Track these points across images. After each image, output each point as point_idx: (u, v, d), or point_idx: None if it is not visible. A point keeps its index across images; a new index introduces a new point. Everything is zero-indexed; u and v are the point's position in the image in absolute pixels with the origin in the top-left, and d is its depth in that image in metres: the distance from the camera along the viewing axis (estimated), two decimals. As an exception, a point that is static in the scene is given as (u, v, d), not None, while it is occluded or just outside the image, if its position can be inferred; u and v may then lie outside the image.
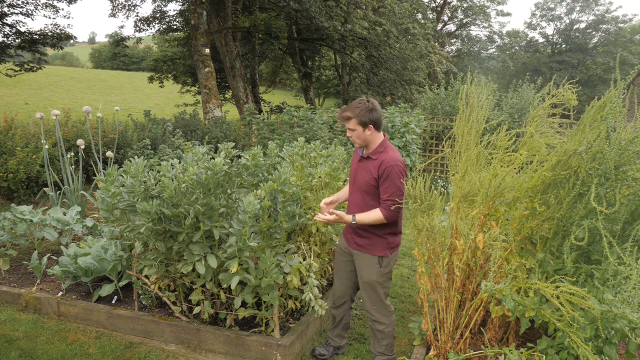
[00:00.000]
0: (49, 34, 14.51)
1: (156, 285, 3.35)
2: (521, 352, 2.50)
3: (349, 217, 2.76)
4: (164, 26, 19.34)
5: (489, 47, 40.99)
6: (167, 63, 20.64)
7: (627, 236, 2.37)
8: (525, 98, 10.35)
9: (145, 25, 18.11)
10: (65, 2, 14.72)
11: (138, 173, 3.01)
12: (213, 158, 3.08)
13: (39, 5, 14.41)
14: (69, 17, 15.87)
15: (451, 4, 36.03)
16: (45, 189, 5.85)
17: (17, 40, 14.34)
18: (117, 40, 18.73)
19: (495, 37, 40.14)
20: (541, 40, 41.70)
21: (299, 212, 3.13)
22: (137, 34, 18.08)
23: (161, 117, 11.37)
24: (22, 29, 14.34)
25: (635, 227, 2.26)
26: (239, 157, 5.55)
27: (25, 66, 14.45)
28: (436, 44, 21.89)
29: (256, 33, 17.11)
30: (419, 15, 21.56)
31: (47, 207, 5.44)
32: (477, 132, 2.91)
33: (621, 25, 36.63)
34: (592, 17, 37.87)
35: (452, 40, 38.97)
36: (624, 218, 2.39)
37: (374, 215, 2.72)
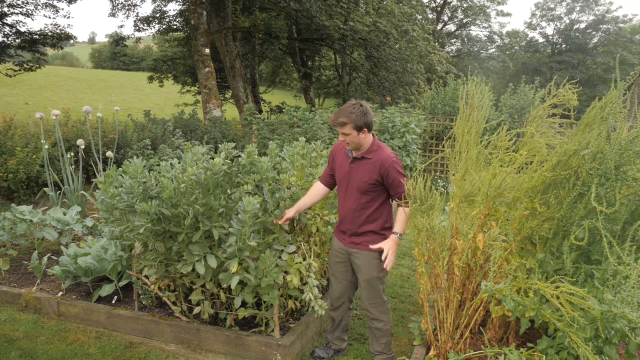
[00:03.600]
0: (49, 34, 14.52)
1: (156, 285, 3.35)
2: (521, 352, 2.49)
3: (395, 238, 2.75)
4: (164, 26, 19.34)
5: (489, 47, 40.98)
6: (167, 63, 20.66)
7: (627, 236, 2.37)
8: (524, 99, 10.36)
9: (145, 25, 18.12)
10: (65, 2, 14.74)
11: (137, 174, 3.01)
12: (212, 158, 3.08)
13: (39, 5, 14.43)
14: (69, 17, 15.89)
15: (451, 4, 36.03)
16: (45, 189, 5.84)
17: (17, 40, 14.36)
18: (117, 40, 18.71)
19: (495, 37, 40.16)
20: (541, 40, 41.78)
21: (287, 196, 3.15)
22: (137, 34, 18.09)
23: (161, 117, 11.36)
24: (22, 29, 14.36)
25: (634, 227, 2.26)
26: (239, 157, 5.54)
27: (25, 66, 14.46)
28: (436, 44, 21.85)
29: (256, 33, 17.11)
30: (419, 17, 21.55)
31: (47, 207, 5.44)
32: (477, 132, 2.91)
33: (621, 25, 36.68)
34: (592, 17, 37.94)
35: (452, 41, 38.95)
36: (624, 218, 2.39)
37: (403, 217, 2.77)
